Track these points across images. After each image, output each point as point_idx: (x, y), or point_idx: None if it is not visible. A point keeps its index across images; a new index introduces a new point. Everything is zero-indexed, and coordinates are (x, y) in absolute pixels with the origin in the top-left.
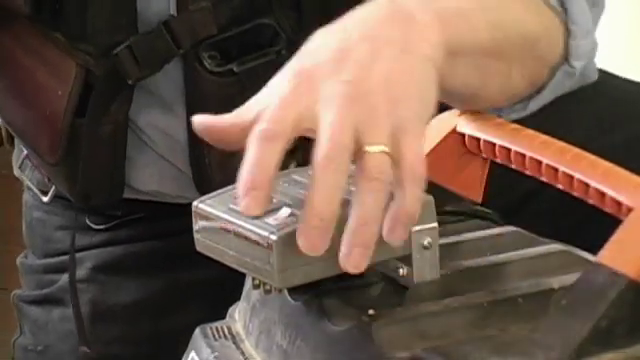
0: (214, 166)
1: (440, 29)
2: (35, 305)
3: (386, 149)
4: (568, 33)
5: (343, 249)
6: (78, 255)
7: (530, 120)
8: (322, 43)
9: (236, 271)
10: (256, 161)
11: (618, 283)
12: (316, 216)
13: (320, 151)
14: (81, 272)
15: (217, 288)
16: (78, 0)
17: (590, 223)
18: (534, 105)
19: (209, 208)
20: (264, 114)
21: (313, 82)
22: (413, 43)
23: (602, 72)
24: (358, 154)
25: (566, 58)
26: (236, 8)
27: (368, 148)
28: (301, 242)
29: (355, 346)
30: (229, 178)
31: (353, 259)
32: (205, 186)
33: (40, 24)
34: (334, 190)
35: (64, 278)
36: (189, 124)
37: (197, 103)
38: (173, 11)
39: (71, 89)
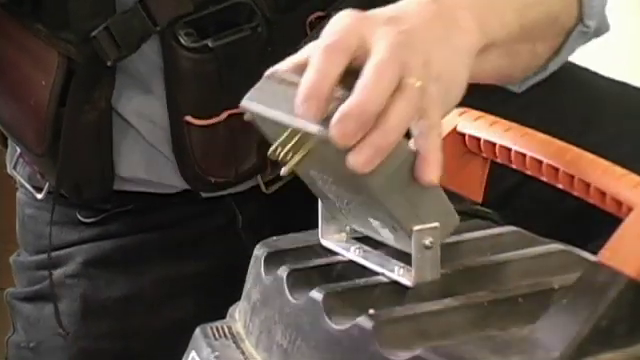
0: (196, 150)
1: (478, 33)
2: (27, 302)
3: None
4: None
5: (357, 146)
6: (68, 250)
7: (515, 117)
8: (376, 11)
9: (226, 266)
10: (319, 70)
11: (618, 283)
12: (359, 107)
13: (371, 62)
14: (72, 267)
15: (207, 282)
16: None
17: (574, 218)
18: (553, 66)
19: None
20: (328, 33)
21: (371, 23)
22: (455, 42)
23: (586, 71)
24: (398, 87)
25: (581, 19)
26: None
27: (408, 80)
28: (335, 130)
29: (355, 346)
30: (212, 162)
31: (363, 156)
32: (188, 171)
33: (20, 15)
34: (380, 91)
35: (56, 274)
36: (169, 106)
37: (175, 82)
38: None
39: (54, 79)
